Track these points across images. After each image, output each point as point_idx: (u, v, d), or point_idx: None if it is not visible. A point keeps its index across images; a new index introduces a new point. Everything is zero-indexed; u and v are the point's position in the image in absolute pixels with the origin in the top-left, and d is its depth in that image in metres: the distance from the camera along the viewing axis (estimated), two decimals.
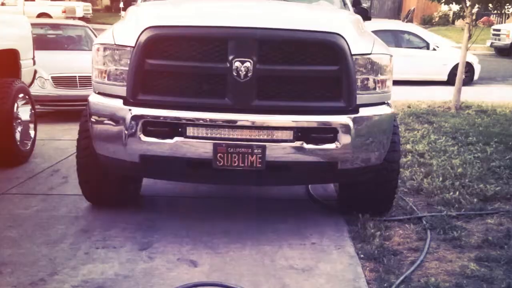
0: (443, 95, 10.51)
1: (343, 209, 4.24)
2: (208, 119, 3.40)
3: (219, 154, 3.40)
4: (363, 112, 3.55)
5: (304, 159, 3.47)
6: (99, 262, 3.34)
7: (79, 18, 24.26)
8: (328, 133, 3.47)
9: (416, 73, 13.32)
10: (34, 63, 6.45)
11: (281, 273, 3.29)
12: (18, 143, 5.58)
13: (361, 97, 3.52)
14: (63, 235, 3.74)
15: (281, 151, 3.44)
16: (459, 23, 24.88)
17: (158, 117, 3.43)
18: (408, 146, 6.32)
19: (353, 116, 3.49)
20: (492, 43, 21.64)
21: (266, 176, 3.57)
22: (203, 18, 3.53)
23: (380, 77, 3.59)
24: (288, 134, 3.44)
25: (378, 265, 3.38)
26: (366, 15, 4.81)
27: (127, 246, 3.59)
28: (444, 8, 30.13)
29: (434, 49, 13.85)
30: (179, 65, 3.42)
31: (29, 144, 5.85)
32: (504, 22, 24.78)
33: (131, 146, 3.47)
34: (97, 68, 3.62)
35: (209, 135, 3.42)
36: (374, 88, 3.58)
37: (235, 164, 3.41)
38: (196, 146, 3.43)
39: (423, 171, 5.30)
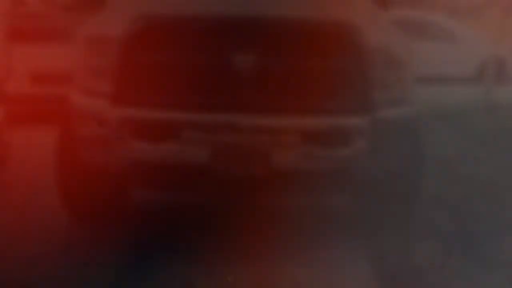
0: (472, 94, 10.49)
1: (359, 223, 4.24)
2: (205, 121, 3.42)
3: (217, 160, 3.41)
4: (381, 113, 3.56)
5: (313, 165, 3.48)
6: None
7: (59, 6, 24.33)
8: (341, 137, 3.48)
9: (441, 69, 13.33)
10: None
11: None
12: None
13: (378, 96, 3.53)
14: (39, 256, 3.74)
15: (288, 156, 3.45)
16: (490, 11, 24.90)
17: (149, 118, 3.45)
18: (432, 152, 6.31)
19: (369, 117, 3.50)
20: None
21: (270, 185, 3.58)
22: (199, 5, 3.55)
23: (399, 73, 3.60)
24: (296, 138, 3.45)
25: None
26: (383, 3, 4.82)
27: (113, 265, 3.59)
28: None
29: (461, 41, 13.85)
30: (172, 58, 3.44)
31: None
32: None
33: (118, 152, 3.49)
34: (79, 63, 3.63)
35: (206, 139, 3.43)
36: (393, 86, 3.59)
37: (236, 172, 3.42)
38: (192, 151, 3.44)
39: (450, 182, 5.29)
